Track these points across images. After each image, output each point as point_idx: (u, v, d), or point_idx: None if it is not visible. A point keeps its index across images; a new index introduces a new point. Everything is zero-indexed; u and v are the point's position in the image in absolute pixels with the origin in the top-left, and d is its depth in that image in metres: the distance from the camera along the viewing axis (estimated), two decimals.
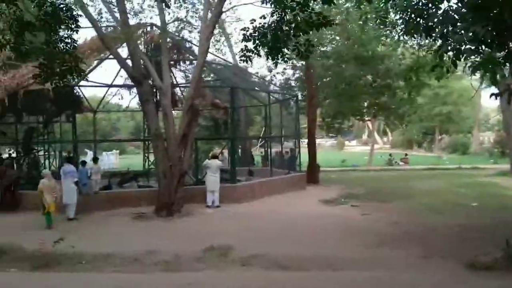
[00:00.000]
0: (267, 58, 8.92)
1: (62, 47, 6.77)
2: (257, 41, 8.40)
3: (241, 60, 9.36)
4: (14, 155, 19.23)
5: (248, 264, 8.50)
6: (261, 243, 9.98)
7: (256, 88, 24.23)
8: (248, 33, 8.51)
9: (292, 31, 8.01)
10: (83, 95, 21.40)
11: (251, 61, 8.87)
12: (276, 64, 9.26)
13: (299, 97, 25.06)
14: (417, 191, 18.15)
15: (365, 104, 28.50)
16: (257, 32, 8.27)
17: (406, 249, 9.25)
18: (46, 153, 19.91)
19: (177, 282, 7.17)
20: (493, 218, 12.31)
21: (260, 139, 30.76)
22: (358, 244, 9.78)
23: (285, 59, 9.14)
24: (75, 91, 17.43)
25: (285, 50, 8.81)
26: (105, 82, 20.67)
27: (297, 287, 6.61)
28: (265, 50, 8.60)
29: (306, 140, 23.34)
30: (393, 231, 11.07)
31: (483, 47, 6.80)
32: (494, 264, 7.68)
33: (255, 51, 8.69)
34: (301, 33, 8.07)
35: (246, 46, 8.80)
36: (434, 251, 9.03)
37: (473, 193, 17.22)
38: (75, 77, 7.11)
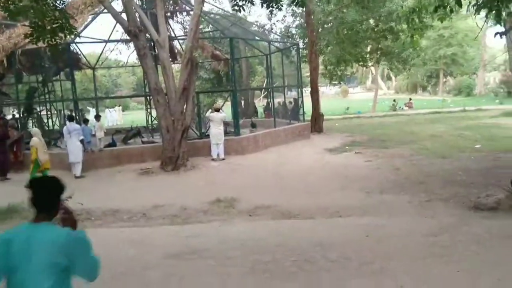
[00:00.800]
0: (262, 6, 8.62)
1: (51, 4, 6.56)
2: None
3: (233, 9, 9.07)
4: (17, 115, 19.25)
5: (255, 215, 8.64)
6: (267, 194, 10.09)
7: (256, 38, 23.79)
8: None
9: None
10: (81, 52, 21.15)
11: (244, 10, 8.58)
12: (271, 12, 8.96)
13: (301, 45, 24.60)
14: (420, 136, 18.15)
15: (368, 49, 27.97)
16: None
17: (409, 194, 9.33)
18: (48, 113, 19.89)
19: (185, 234, 7.29)
20: (496, 160, 12.33)
21: (262, 90, 30.53)
22: (362, 191, 9.87)
23: (280, 7, 8.82)
24: (71, 48, 17.15)
25: None
26: (102, 38, 20.32)
27: (306, 234, 6.72)
28: None
29: (309, 89, 23.12)
30: (396, 177, 11.15)
31: None
32: (497, 205, 7.75)
33: None
34: None
35: None
36: (437, 195, 9.11)
37: (476, 136, 17.19)
38: (67, 34, 6.95)
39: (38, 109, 20.06)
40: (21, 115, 18.55)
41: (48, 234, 2.46)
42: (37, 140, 12.10)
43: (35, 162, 11.93)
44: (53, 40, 6.76)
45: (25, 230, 2.50)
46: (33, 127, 18.08)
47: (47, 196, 2.57)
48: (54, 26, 6.60)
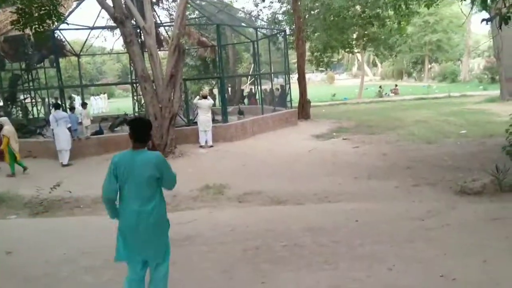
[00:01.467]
0: None
1: None
2: None
3: None
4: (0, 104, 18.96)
5: (245, 201, 8.69)
6: (255, 180, 10.14)
7: (243, 24, 23.65)
8: None
9: None
10: (65, 39, 20.83)
11: None
12: None
13: (287, 31, 24.52)
14: (407, 122, 18.33)
15: (354, 35, 27.99)
16: None
17: (397, 179, 9.46)
18: (32, 101, 19.60)
19: (175, 220, 7.27)
20: (481, 145, 12.52)
21: (249, 77, 30.44)
22: (350, 177, 9.97)
23: None
24: (56, 35, 16.86)
25: None
26: (87, 25, 20.02)
27: (295, 219, 6.78)
28: None
29: (296, 76, 23.10)
30: (383, 163, 11.28)
31: None
32: (482, 189, 7.92)
33: None
34: None
35: None
36: (424, 180, 9.25)
37: (461, 121, 17.41)
38: (54, 21, 6.82)
39: (22, 97, 19.75)
40: (5, 104, 18.26)
41: (145, 157, 3.63)
42: (8, 129, 11.84)
43: (10, 152, 11.72)
44: (41, 27, 6.63)
45: (129, 155, 3.66)
46: (16, 116, 17.84)
47: (142, 131, 3.70)
48: (41, 12, 6.47)
